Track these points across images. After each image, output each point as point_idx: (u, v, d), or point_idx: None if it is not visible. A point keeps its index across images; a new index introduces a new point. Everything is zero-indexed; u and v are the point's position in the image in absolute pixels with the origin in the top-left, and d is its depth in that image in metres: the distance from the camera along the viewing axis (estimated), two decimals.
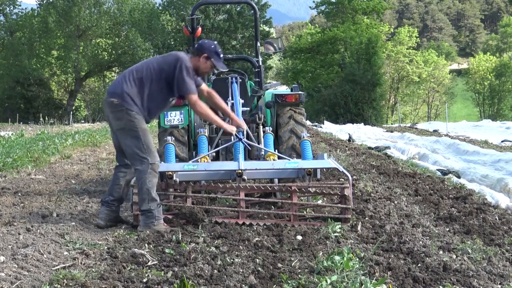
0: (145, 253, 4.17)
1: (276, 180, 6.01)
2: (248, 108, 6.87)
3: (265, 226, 5.12)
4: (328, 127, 28.80)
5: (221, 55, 5.29)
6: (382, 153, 12.79)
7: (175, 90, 5.09)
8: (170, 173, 5.38)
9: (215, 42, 5.31)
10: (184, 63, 5.03)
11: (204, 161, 5.69)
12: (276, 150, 6.20)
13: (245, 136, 5.95)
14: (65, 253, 4.28)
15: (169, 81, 5.06)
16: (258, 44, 7.12)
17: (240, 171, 5.41)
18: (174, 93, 5.13)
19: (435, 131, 25.12)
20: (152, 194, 4.95)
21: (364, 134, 22.22)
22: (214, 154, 6.17)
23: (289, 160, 5.71)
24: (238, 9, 46.18)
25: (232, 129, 5.45)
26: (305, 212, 5.61)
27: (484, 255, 4.18)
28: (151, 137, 5.15)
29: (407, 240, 4.60)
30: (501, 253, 4.30)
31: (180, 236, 4.68)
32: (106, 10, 46.17)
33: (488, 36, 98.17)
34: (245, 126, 5.65)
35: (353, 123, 35.14)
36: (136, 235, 4.84)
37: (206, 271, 3.72)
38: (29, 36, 46.38)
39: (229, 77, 6.80)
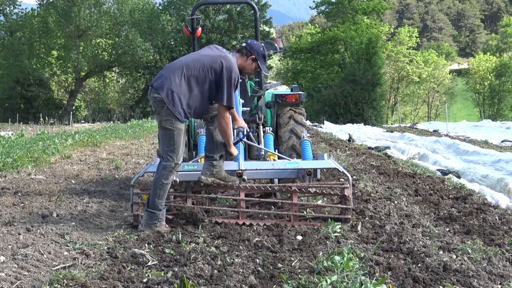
0: (145, 253, 4.17)
1: (276, 180, 6.01)
2: (248, 108, 6.87)
3: (265, 226, 5.12)
4: (328, 127, 28.80)
5: (267, 58, 5.29)
6: (382, 153, 12.79)
7: (218, 95, 5.01)
8: None
9: (263, 44, 5.29)
10: (235, 75, 4.97)
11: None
12: (276, 150, 6.20)
13: (245, 136, 5.96)
14: (65, 253, 4.28)
15: (218, 83, 4.98)
16: None
17: (240, 171, 5.42)
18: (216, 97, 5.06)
19: (435, 131, 25.12)
20: (165, 191, 4.99)
21: (364, 134, 22.23)
22: None
23: (289, 160, 5.71)
24: (238, 9, 46.22)
25: (234, 152, 5.41)
26: (305, 212, 5.61)
27: (484, 255, 4.18)
28: (185, 140, 5.12)
29: (407, 240, 4.60)
30: (501, 253, 4.30)
31: (180, 236, 4.69)
32: (106, 10, 46.20)
33: (488, 36, 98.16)
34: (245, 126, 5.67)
35: (353, 123, 35.17)
36: (136, 235, 4.84)
37: (206, 271, 3.72)
38: (29, 36, 46.41)
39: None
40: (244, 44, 5.25)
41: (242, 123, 5.66)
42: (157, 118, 5.10)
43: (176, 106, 4.93)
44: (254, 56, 5.17)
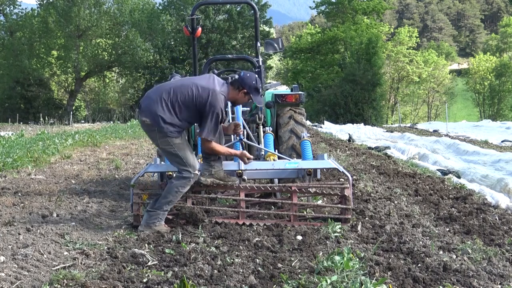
0: (145, 253, 4.17)
1: (276, 180, 6.01)
2: (248, 108, 6.87)
3: (265, 226, 5.12)
4: (328, 127, 28.80)
5: (260, 90, 5.28)
6: (382, 153, 12.79)
7: (200, 127, 5.07)
8: (170, 173, 5.39)
9: (256, 77, 5.23)
10: (218, 111, 4.97)
11: None
12: (276, 150, 6.20)
13: (245, 136, 5.97)
14: (65, 253, 4.28)
15: (199, 113, 5.02)
16: (258, 44, 7.11)
17: (240, 171, 5.42)
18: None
19: (435, 131, 25.12)
20: (176, 198, 5.03)
21: (364, 134, 22.23)
22: None
23: (289, 160, 5.71)
24: (238, 9, 46.18)
25: (245, 156, 5.44)
26: (305, 212, 5.61)
27: (484, 255, 4.18)
28: (187, 144, 5.13)
29: (407, 240, 4.60)
30: (501, 253, 4.30)
31: (180, 236, 4.69)
32: (106, 10, 46.16)
33: (488, 36, 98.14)
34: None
35: (353, 123, 35.16)
36: (136, 235, 4.85)
37: (206, 271, 3.72)
38: (29, 36, 46.38)
39: (229, 77, 6.80)
40: (236, 77, 5.26)
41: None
42: (154, 142, 5.17)
43: (165, 127, 4.95)
44: (246, 90, 5.15)
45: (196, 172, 5.07)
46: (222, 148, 5.24)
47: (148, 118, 4.99)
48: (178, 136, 5.02)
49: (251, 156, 5.44)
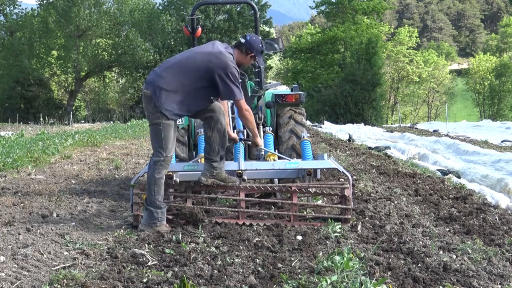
0: (145, 253, 4.17)
1: (276, 181, 6.01)
2: None
3: (265, 226, 5.12)
4: (328, 127, 28.81)
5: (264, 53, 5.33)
6: (382, 153, 12.79)
7: (223, 95, 5.04)
8: (170, 173, 5.39)
9: (260, 39, 5.26)
10: (231, 70, 4.96)
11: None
12: (276, 150, 6.20)
13: (245, 136, 5.97)
14: (65, 253, 4.28)
15: (213, 81, 4.98)
16: None
17: (240, 171, 5.41)
18: (217, 92, 5.06)
19: (435, 131, 25.13)
20: (159, 187, 4.99)
21: (364, 134, 22.24)
22: None
23: (289, 160, 5.71)
24: (238, 9, 46.21)
25: (261, 142, 5.51)
26: (305, 213, 5.61)
27: (484, 255, 4.18)
28: (174, 132, 5.09)
29: (407, 240, 4.59)
30: (501, 253, 4.30)
31: (180, 236, 4.68)
32: (106, 10, 46.18)
33: (488, 36, 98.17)
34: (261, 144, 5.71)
35: (353, 123, 35.17)
36: (136, 235, 4.84)
37: (206, 271, 3.72)
38: (29, 36, 46.40)
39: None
40: (243, 41, 5.20)
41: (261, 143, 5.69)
42: (146, 113, 5.14)
43: (164, 103, 4.92)
44: (253, 54, 5.19)
45: (169, 155, 5.01)
46: (253, 120, 5.30)
47: (149, 90, 4.97)
48: (170, 119, 4.97)
49: (261, 144, 5.54)
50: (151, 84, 4.98)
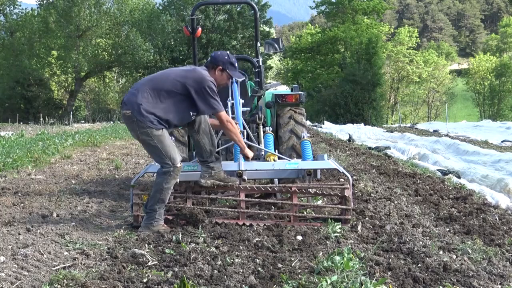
0: (145, 253, 4.16)
1: (276, 181, 6.01)
2: (248, 108, 6.86)
3: (265, 227, 5.12)
4: (328, 127, 28.82)
5: (236, 65, 5.26)
6: (382, 153, 12.79)
7: (201, 109, 5.03)
8: None
9: (227, 52, 5.27)
10: (208, 84, 4.98)
11: None
12: (276, 151, 6.19)
13: (245, 136, 5.96)
14: (65, 253, 4.27)
15: (190, 97, 4.98)
16: (258, 44, 7.11)
17: (240, 171, 5.41)
18: (195, 108, 5.04)
19: (435, 131, 25.13)
20: (165, 196, 4.98)
21: (364, 134, 22.25)
22: None
23: (289, 160, 5.71)
24: (238, 9, 46.20)
25: (250, 154, 5.46)
26: (305, 213, 5.61)
27: (484, 255, 4.18)
28: (170, 139, 5.06)
29: (407, 240, 4.59)
30: (501, 253, 4.30)
31: (180, 236, 4.68)
32: (106, 10, 46.18)
33: (488, 36, 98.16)
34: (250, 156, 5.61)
35: (353, 123, 35.19)
36: (136, 235, 4.84)
37: (206, 271, 3.72)
38: (29, 36, 46.41)
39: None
40: (208, 59, 5.28)
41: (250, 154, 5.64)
42: (134, 135, 5.07)
43: (146, 116, 4.88)
44: (220, 67, 5.17)
45: (178, 165, 4.98)
46: (238, 132, 5.29)
47: (128, 109, 4.93)
48: (159, 129, 4.93)
49: (251, 155, 5.45)
50: (129, 103, 4.95)
